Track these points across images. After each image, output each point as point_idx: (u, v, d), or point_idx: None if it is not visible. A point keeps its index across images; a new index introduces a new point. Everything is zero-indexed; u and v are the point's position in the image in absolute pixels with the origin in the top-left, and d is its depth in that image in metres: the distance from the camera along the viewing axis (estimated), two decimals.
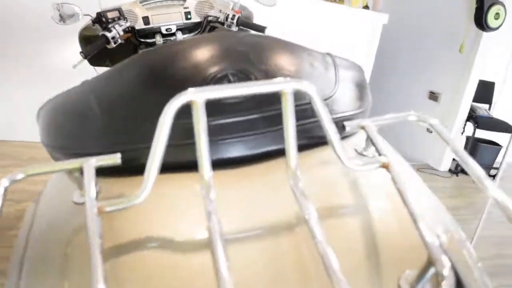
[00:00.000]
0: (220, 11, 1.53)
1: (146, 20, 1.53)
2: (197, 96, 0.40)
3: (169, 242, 0.44)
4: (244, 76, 0.56)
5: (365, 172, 0.52)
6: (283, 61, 0.59)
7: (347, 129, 0.55)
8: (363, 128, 0.54)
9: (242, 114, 0.53)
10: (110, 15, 1.40)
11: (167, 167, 0.43)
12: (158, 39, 1.53)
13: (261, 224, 0.46)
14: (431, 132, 3.45)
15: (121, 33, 1.40)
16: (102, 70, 1.56)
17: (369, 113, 0.70)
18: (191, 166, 0.45)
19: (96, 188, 0.43)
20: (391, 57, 3.95)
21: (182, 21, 1.57)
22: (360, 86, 0.68)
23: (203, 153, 0.40)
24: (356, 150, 0.60)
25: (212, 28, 1.64)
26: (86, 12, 1.41)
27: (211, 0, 1.59)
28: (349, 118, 0.61)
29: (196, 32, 1.60)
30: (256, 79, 0.56)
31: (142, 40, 1.54)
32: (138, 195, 0.40)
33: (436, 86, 3.51)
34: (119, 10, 1.42)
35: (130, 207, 0.41)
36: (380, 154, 0.48)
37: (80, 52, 1.35)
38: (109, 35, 1.35)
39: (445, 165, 3.50)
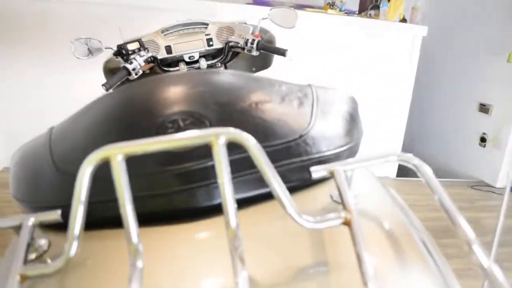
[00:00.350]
0: (241, 36, 1.51)
1: (168, 49, 1.53)
2: (113, 152, 0.37)
3: None
4: (196, 120, 0.51)
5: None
6: (244, 101, 0.54)
7: (314, 175, 0.46)
8: (331, 174, 0.46)
9: (176, 166, 0.48)
10: (130, 46, 1.42)
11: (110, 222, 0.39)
12: (182, 67, 1.53)
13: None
14: (484, 146, 3.24)
15: (142, 64, 1.41)
16: None
17: (358, 148, 0.64)
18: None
19: (44, 245, 0.40)
20: (435, 69, 3.79)
21: (204, 48, 1.56)
22: (347, 120, 0.61)
23: (128, 211, 0.36)
24: (331, 197, 0.53)
25: (235, 54, 1.62)
26: (107, 45, 1.43)
27: (232, 25, 1.58)
28: (328, 158, 0.55)
29: (219, 58, 1.58)
30: (210, 123, 0.50)
31: (165, 69, 1.54)
32: (61, 258, 0.37)
33: (486, 98, 3.31)
34: (139, 41, 1.43)
35: (54, 272, 0.37)
36: (344, 208, 0.41)
37: (102, 85, 1.37)
38: (129, 67, 1.36)
39: (502, 181, 3.26)
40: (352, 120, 0.62)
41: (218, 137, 0.37)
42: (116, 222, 0.40)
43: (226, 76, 0.58)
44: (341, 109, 0.62)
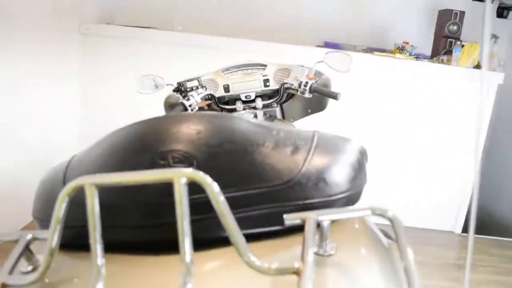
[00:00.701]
0: (295, 78, 1.54)
1: (226, 88, 1.60)
2: (87, 182, 0.41)
3: None
4: (184, 159, 0.53)
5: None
6: (234, 143, 0.56)
7: (286, 222, 0.47)
8: (303, 222, 0.46)
9: (146, 199, 0.52)
10: (189, 84, 1.50)
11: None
12: (239, 106, 1.59)
13: None
14: None
15: (199, 101, 1.48)
16: None
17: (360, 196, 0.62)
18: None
19: (35, 262, 0.47)
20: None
21: (260, 88, 1.61)
22: (348, 167, 0.60)
23: (97, 239, 0.40)
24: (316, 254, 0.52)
25: (290, 95, 1.65)
26: (168, 82, 1.53)
27: (289, 67, 1.61)
28: (316, 205, 0.54)
29: (275, 98, 1.62)
30: (197, 162, 0.53)
31: (222, 106, 1.60)
32: (37, 271, 0.43)
33: None
34: (198, 79, 1.51)
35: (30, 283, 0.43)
36: (302, 258, 0.41)
37: None
38: (186, 103, 1.44)
39: None
40: (354, 168, 0.62)
41: (179, 177, 0.40)
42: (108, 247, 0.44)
43: (224, 119, 0.61)
44: (343, 156, 0.62)
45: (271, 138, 0.58)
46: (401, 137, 2.93)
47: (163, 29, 2.97)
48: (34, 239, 0.50)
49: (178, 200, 0.40)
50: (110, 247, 0.44)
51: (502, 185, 3.61)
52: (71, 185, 0.42)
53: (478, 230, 3.07)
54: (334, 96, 1.45)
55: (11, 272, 0.45)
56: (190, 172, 0.40)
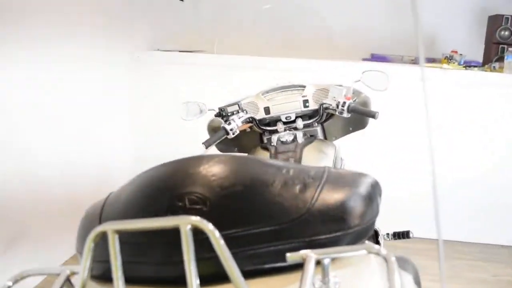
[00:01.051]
0: (334, 98, 1.56)
1: (267, 110, 1.65)
2: (108, 228, 0.48)
3: None
4: (199, 200, 0.58)
5: None
6: (245, 185, 0.60)
7: (288, 260, 0.51)
8: (304, 260, 0.49)
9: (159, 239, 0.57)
10: (229, 109, 1.56)
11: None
12: (280, 127, 1.63)
13: None
14: None
15: (240, 124, 1.54)
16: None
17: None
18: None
19: None
20: None
21: (300, 109, 1.64)
22: (359, 203, 0.62)
23: (118, 276, 0.47)
24: (313, 285, 0.54)
25: (330, 115, 1.67)
26: (211, 107, 1.60)
27: (327, 87, 1.64)
28: (323, 242, 0.57)
29: (315, 118, 1.64)
30: (210, 203, 0.58)
31: (263, 128, 1.65)
32: None
33: None
34: (238, 104, 1.57)
35: None
36: None
37: (202, 143, 1.53)
38: (227, 127, 1.50)
39: None
40: (363, 204, 0.64)
41: (185, 224, 0.45)
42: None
43: (238, 162, 0.65)
44: (352, 192, 0.64)
45: (280, 177, 0.62)
46: (454, 149, 2.84)
47: (207, 51, 3.08)
48: (73, 273, 0.58)
49: (184, 244, 0.45)
50: (133, 281, 0.50)
51: None
52: (95, 231, 0.49)
53: None
54: (372, 115, 1.45)
55: None
56: (194, 220, 0.46)
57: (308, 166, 0.69)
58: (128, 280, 0.48)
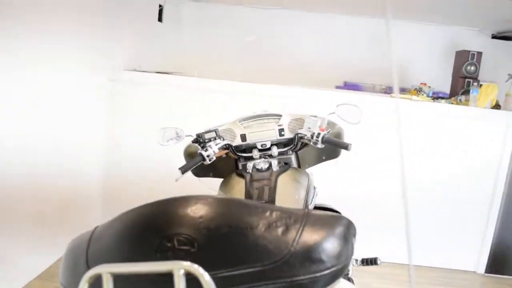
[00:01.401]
0: (308, 128, 1.61)
1: (243, 137, 1.68)
2: (103, 271, 0.50)
3: None
4: (187, 241, 0.61)
5: None
6: (231, 227, 0.63)
7: None
8: None
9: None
10: (207, 136, 1.59)
11: None
12: (256, 154, 1.66)
13: None
14: None
15: (217, 151, 1.57)
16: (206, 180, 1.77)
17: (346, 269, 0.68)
18: None
19: None
20: None
21: (276, 137, 1.69)
22: (336, 243, 0.67)
23: None
24: None
25: (303, 144, 1.72)
26: (188, 133, 1.63)
27: (303, 117, 1.69)
28: (303, 282, 0.61)
29: (290, 147, 1.69)
30: (198, 245, 0.61)
31: (239, 154, 1.68)
32: None
33: None
34: (215, 131, 1.60)
35: None
36: None
37: (179, 168, 1.55)
38: (204, 154, 1.53)
39: None
40: (339, 245, 0.68)
41: (178, 268, 0.49)
42: None
43: (224, 204, 0.68)
44: (329, 234, 0.68)
45: (264, 220, 0.65)
46: (421, 178, 2.94)
47: (185, 74, 3.11)
48: None
49: (176, 286, 0.47)
50: None
51: None
52: (90, 273, 0.51)
53: (502, 270, 3.01)
54: (345, 147, 1.51)
55: None
56: (186, 265, 0.49)
57: (289, 209, 0.72)
58: None
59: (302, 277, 0.61)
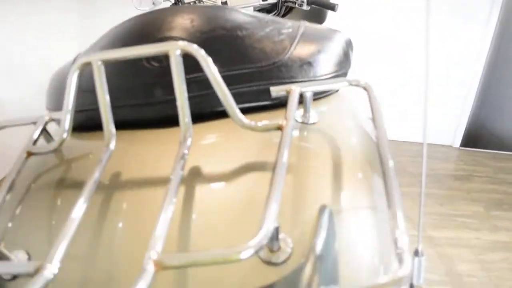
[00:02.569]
0: None
1: (224, 3, 1.59)
2: (93, 58, 0.46)
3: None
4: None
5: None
6: (226, 30, 0.60)
7: (272, 94, 0.54)
8: (288, 92, 0.52)
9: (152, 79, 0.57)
10: (186, 0, 1.49)
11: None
12: None
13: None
14: None
15: None
16: None
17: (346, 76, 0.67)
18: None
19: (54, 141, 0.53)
20: None
21: (258, 2, 1.60)
22: (333, 52, 0.65)
23: (107, 114, 0.47)
24: (296, 120, 0.57)
25: (288, 9, 1.64)
26: None
27: None
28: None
29: (273, 13, 1.61)
30: None
31: None
32: (56, 141, 0.50)
33: None
34: None
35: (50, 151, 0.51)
36: (286, 117, 0.47)
37: None
38: None
39: None
40: (339, 54, 0.67)
41: (174, 49, 0.45)
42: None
43: (217, 9, 0.64)
44: (329, 43, 0.66)
45: (261, 26, 0.62)
46: (400, 49, 2.91)
47: None
48: (51, 119, 0.56)
49: (174, 67, 0.45)
50: (116, 127, 0.51)
51: (506, 99, 3.61)
52: (80, 61, 0.47)
53: (477, 144, 3.14)
54: (332, 8, 1.44)
55: (34, 143, 0.52)
56: (183, 44, 0.45)
57: (285, 19, 0.69)
58: None
59: (300, 79, 0.60)
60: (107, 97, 0.47)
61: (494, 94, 3.42)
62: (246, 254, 0.33)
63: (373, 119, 0.47)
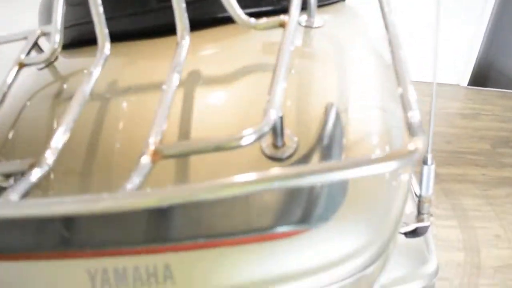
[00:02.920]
0: None
1: None
2: None
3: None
4: None
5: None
6: None
7: None
8: None
9: None
10: None
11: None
12: None
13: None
14: None
15: None
16: None
17: None
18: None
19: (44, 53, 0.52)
20: None
21: None
22: None
23: (100, 18, 0.46)
24: (300, 24, 0.54)
25: None
26: None
27: None
28: None
29: None
30: None
31: None
32: (48, 51, 0.50)
33: None
34: None
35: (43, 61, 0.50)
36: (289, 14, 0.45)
37: None
38: None
39: None
40: None
41: None
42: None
43: None
44: None
45: None
46: None
47: None
48: (43, 33, 0.54)
49: None
50: (111, 37, 0.49)
51: None
52: None
53: (485, 83, 3.12)
54: None
55: (28, 54, 0.51)
56: None
57: None
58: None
59: None
60: (101, 8, 0.46)
61: (504, 33, 3.34)
62: (247, 140, 0.32)
63: (383, 18, 0.44)
